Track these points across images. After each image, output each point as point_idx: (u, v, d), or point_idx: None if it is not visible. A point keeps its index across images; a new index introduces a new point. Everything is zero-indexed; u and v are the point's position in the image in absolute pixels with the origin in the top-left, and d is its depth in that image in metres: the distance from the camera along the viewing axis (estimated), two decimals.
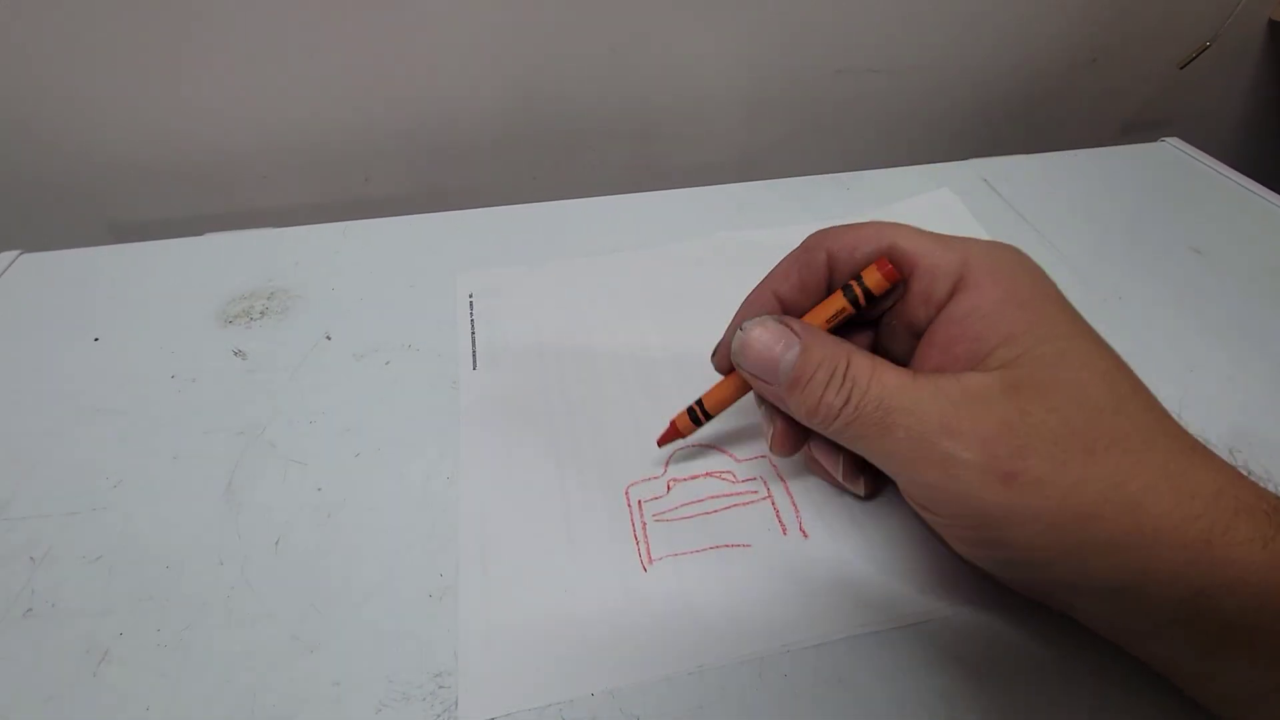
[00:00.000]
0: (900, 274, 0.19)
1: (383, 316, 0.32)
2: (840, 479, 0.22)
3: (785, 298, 0.21)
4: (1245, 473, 0.17)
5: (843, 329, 0.21)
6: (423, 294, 0.34)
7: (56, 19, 0.39)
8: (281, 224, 0.38)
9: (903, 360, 0.21)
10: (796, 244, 0.22)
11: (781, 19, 0.47)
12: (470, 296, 0.33)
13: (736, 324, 0.22)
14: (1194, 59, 0.55)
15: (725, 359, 0.22)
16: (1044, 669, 0.20)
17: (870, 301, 0.20)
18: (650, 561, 0.23)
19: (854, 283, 0.19)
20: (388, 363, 0.30)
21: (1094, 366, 0.18)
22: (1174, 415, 0.18)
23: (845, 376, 0.18)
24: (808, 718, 0.19)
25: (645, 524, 0.24)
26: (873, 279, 0.19)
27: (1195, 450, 0.17)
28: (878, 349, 0.22)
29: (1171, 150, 0.44)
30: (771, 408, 0.22)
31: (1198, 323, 0.32)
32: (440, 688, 0.20)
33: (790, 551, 0.23)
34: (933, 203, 0.39)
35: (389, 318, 0.32)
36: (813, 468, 0.23)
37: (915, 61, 0.52)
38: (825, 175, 0.42)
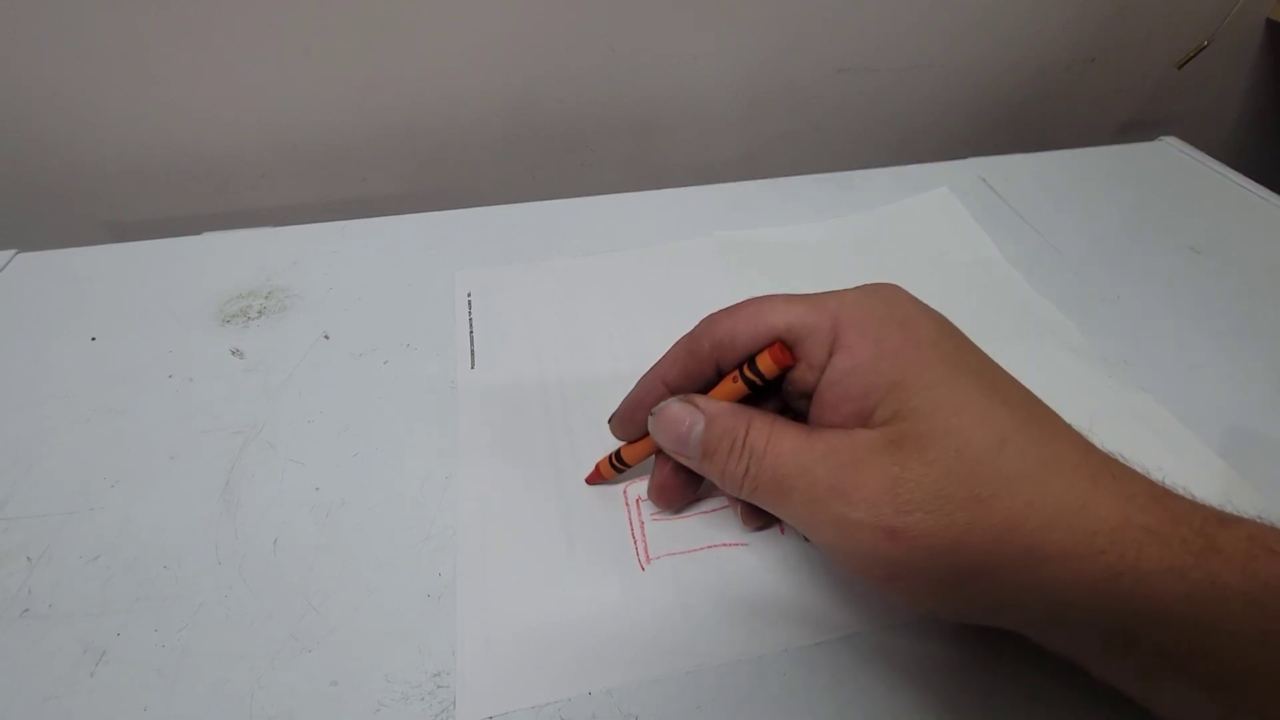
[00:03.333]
0: (793, 357, 0.20)
1: (381, 316, 0.32)
2: (743, 524, 0.23)
3: (673, 384, 0.22)
4: (1169, 489, 0.16)
5: (752, 398, 0.21)
6: (421, 293, 0.34)
7: (54, 18, 0.39)
8: (279, 223, 0.38)
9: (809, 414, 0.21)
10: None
11: (780, 19, 0.47)
12: (469, 296, 0.33)
13: (631, 403, 0.23)
14: (1192, 58, 0.55)
15: (620, 428, 0.24)
16: (1041, 668, 0.20)
17: (765, 383, 0.20)
18: (648, 561, 0.23)
19: (749, 371, 0.20)
20: (386, 362, 0.30)
21: (970, 410, 0.17)
22: (1100, 443, 0.17)
23: (745, 445, 0.19)
24: (805, 717, 0.19)
25: (643, 523, 0.24)
26: (765, 365, 0.20)
27: (1098, 479, 0.16)
28: (786, 410, 0.22)
29: (1169, 150, 0.44)
30: (659, 462, 0.23)
31: (1196, 322, 0.32)
32: (439, 687, 0.20)
33: (787, 551, 0.23)
34: (931, 202, 0.39)
35: (387, 317, 0.32)
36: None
37: (914, 61, 0.52)
38: (824, 174, 0.42)
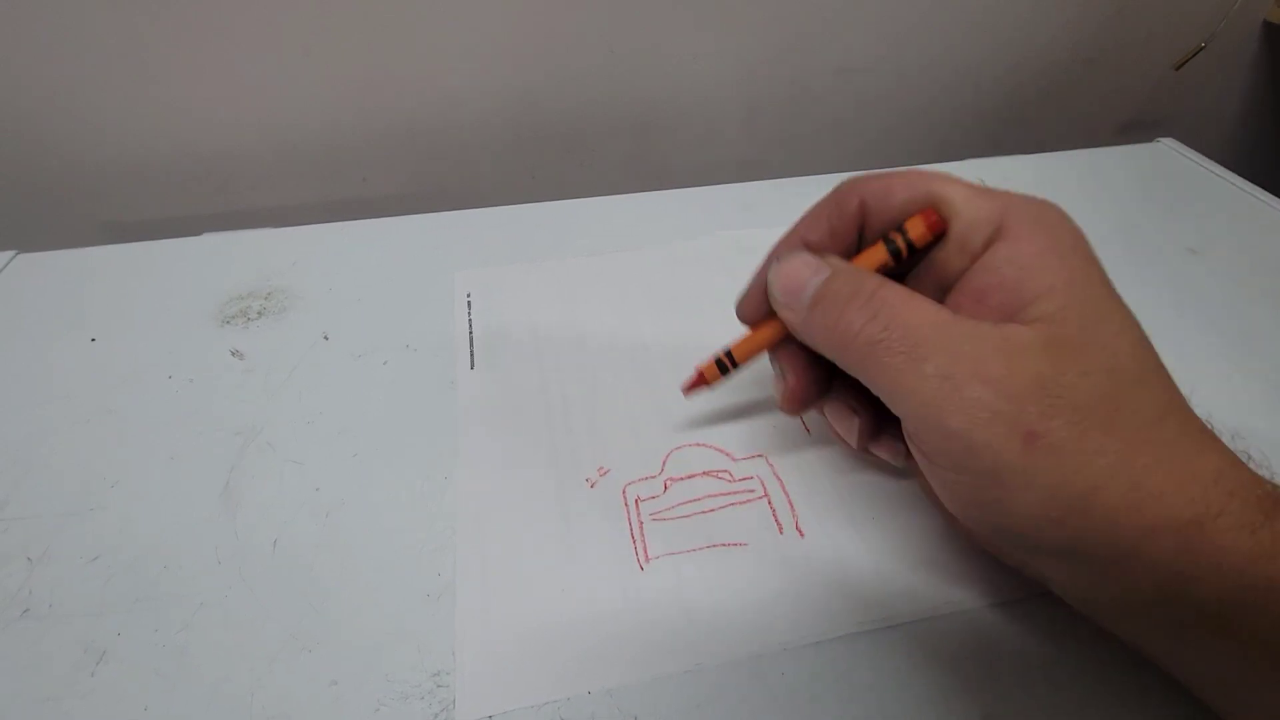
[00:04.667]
0: (944, 225, 0.18)
1: (380, 316, 0.32)
2: (853, 444, 0.21)
3: (815, 245, 0.20)
4: (1245, 458, 0.17)
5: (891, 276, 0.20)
6: (421, 294, 0.34)
7: (54, 18, 0.39)
8: (279, 224, 0.38)
9: None
10: None
11: (780, 20, 0.48)
12: (468, 296, 0.33)
13: (764, 268, 0.21)
14: (1189, 60, 0.55)
15: (748, 307, 0.22)
16: (1041, 667, 0.20)
17: (912, 253, 0.19)
18: (647, 560, 0.23)
19: (896, 234, 0.19)
20: (385, 363, 0.30)
21: (1128, 333, 0.17)
22: (1221, 425, 0.18)
23: (873, 298, 0.18)
24: (805, 716, 0.19)
25: (642, 523, 0.24)
26: (917, 230, 0.18)
27: (1202, 432, 0.17)
28: None
29: (1167, 151, 0.45)
30: (786, 362, 0.21)
31: (1194, 322, 0.32)
32: (438, 687, 0.20)
33: (787, 550, 0.23)
34: None
35: (387, 318, 0.32)
36: (830, 433, 0.23)
37: (913, 62, 0.52)
38: (823, 175, 0.42)
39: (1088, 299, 0.17)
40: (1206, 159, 0.43)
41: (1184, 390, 0.18)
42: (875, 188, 0.20)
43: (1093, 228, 0.19)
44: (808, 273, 0.19)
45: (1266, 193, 0.40)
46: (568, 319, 0.32)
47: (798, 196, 0.40)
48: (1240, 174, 0.41)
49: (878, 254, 0.19)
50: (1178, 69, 0.56)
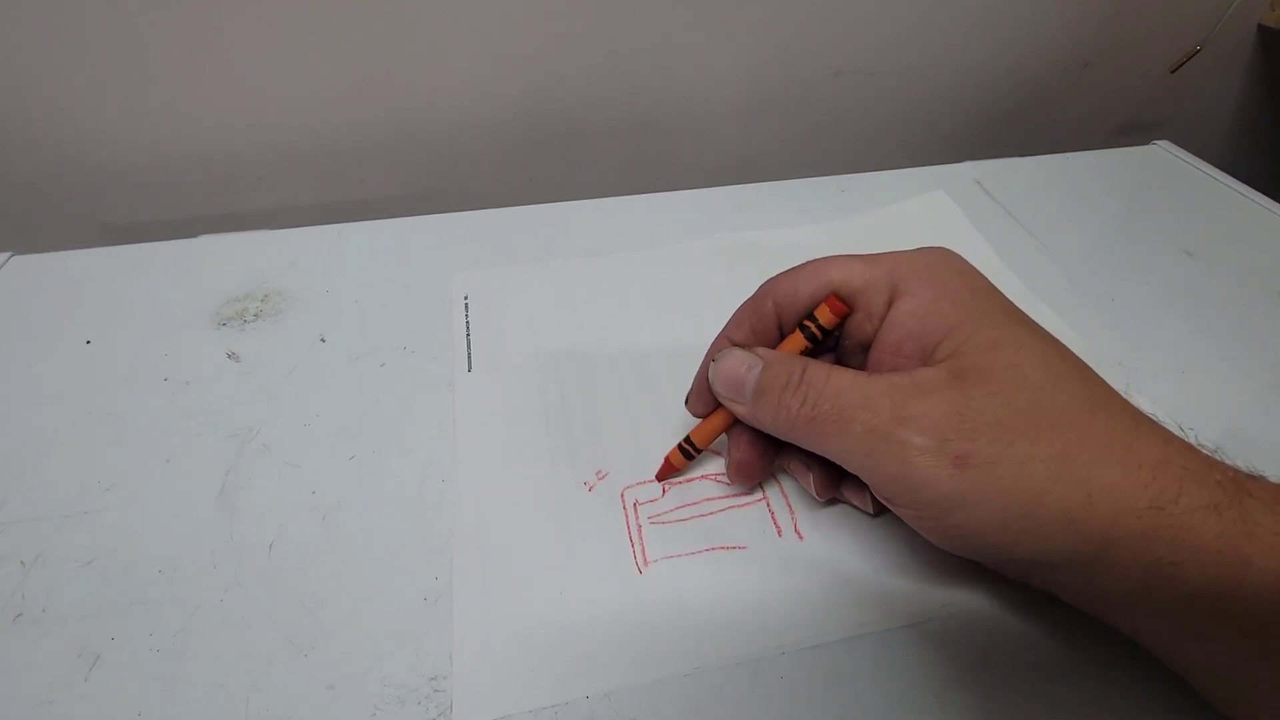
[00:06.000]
0: (848, 307, 0.21)
1: (378, 319, 0.32)
2: (815, 495, 0.23)
3: (741, 343, 0.23)
4: (1198, 446, 0.17)
5: (811, 355, 0.22)
6: (418, 296, 0.33)
7: (51, 18, 0.39)
8: (276, 226, 0.38)
9: None
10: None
11: (779, 22, 0.48)
12: (465, 298, 0.33)
13: (704, 368, 0.23)
14: (1185, 63, 0.55)
15: (697, 403, 0.24)
16: (1040, 668, 0.20)
17: (824, 334, 0.22)
18: (646, 563, 0.23)
19: (809, 322, 0.22)
20: (383, 365, 0.30)
21: (1029, 350, 0.19)
22: (1168, 418, 0.18)
23: (802, 380, 0.20)
24: (804, 719, 0.19)
25: (641, 526, 0.24)
26: (825, 317, 0.21)
27: (1139, 422, 0.18)
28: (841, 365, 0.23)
29: (1163, 153, 0.45)
30: (734, 440, 0.23)
31: (1190, 324, 0.32)
32: (435, 691, 0.20)
33: (785, 553, 0.23)
34: (926, 205, 0.39)
35: (384, 320, 0.32)
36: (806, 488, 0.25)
37: (911, 64, 0.52)
38: (821, 177, 0.42)
39: (984, 327, 0.19)
40: (1202, 161, 0.43)
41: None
42: (784, 288, 0.22)
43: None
44: (743, 369, 0.21)
45: (1261, 195, 0.40)
46: (566, 321, 0.32)
47: (796, 198, 0.41)
48: (1235, 176, 0.42)
49: (797, 341, 0.22)
50: (1173, 72, 0.56)
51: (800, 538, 0.23)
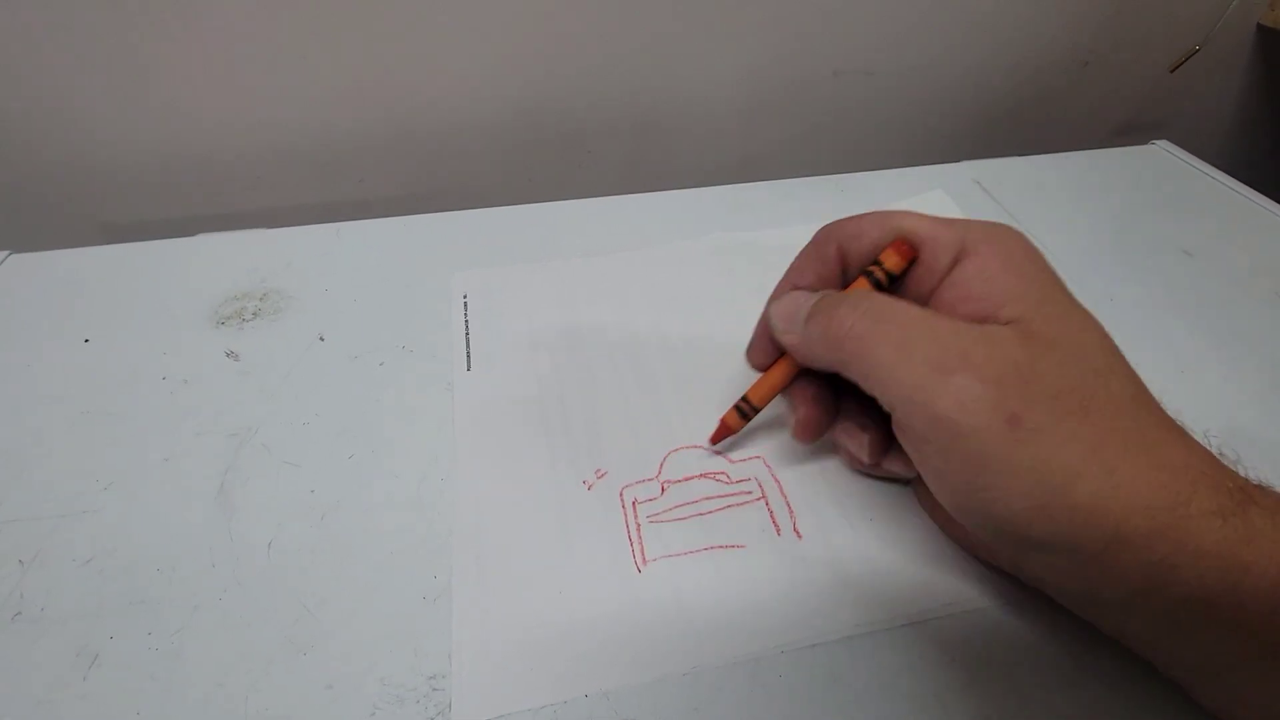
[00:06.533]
0: (915, 251, 0.21)
1: (377, 318, 0.32)
2: (865, 459, 0.22)
3: (803, 289, 0.22)
4: (1218, 455, 0.17)
5: None
6: (417, 295, 0.33)
7: (49, 18, 0.39)
8: (275, 225, 0.38)
9: None
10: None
11: (778, 22, 0.48)
12: (465, 297, 0.33)
13: (765, 314, 0.23)
14: (1184, 63, 0.55)
15: (756, 352, 0.24)
16: (1039, 669, 0.20)
17: (891, 281, 0.21)
18: (645, 563, 0.23)
19: (874, 267, 0.21)
20: (382, 364, 0.30)
21: (1092, 331, 0.19)
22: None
23: (864, 297, 0.20)
24: (804, 719, 0.19)
25: (640, 525, 0.24)
26: (891, 260, 0.21)
27: (1169, 425, 0.18)
28: None
29: (1162, 153, 0.45)
30: (796, 397, 0.23)
31: (1188, 324, 0.32)
32: (434, 690, 0.20)
33: (784, 552, 0.23)
34: (926, 204, 0.39)
35: (383, 319, 0.32)
36: (844, 459, 0.25)
37: (910, 64, 0.52)
38: (820, 177, 0.42)
39: (1050, 301, 0.19)
40: (1201, 161, 0.43)
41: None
42: (849, 231, 0.22)
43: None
44: (802, 300, 0.21)
45: (1260, 195, 0.40)
46: (565, 320, 0.32)
47: (797, 198, 0.41)
48: (1234, 176, 0.42)
49: (862, 286, 0.22)
50: (1173, 71, 0.56)
51: (799, 537, 0.23)
